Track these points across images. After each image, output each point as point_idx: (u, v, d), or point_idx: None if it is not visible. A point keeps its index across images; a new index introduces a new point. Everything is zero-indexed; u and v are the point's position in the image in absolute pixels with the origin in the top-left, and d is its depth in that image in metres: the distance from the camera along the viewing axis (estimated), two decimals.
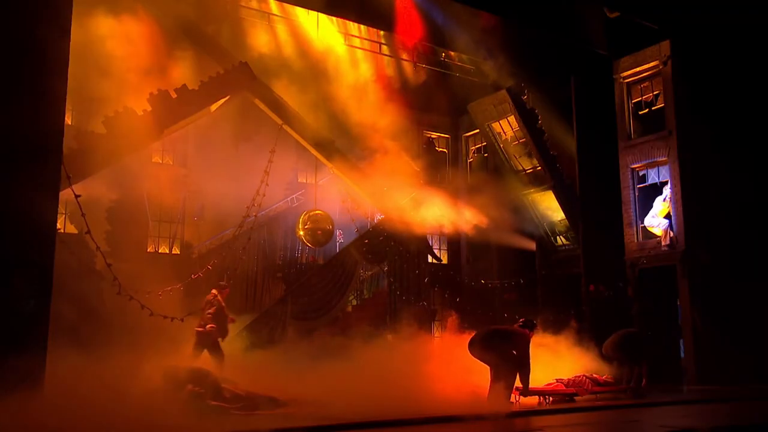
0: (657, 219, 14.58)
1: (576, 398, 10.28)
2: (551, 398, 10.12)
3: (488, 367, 9.31)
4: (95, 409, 6.85)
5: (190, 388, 8.01)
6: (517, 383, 9.38)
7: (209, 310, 10.46)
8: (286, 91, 15.40)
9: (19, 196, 7.71)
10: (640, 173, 15.46)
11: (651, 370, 11.27)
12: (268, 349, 12.92)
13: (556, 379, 10.51)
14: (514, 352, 9.22)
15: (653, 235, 14.88)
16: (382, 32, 17.26)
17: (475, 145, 21.36)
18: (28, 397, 6.72)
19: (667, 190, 14.67)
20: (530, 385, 9.47)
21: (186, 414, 7.30)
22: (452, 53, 17.88)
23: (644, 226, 15.11)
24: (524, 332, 9.57)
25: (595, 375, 10.86)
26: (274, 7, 16.24)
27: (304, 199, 17.71)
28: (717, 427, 7.34)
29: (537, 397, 10.02)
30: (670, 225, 14.41)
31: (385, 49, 17.83)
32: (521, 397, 9.53)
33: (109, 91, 13.00)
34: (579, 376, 10.60)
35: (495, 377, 9.12)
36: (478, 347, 9.31)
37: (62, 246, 9.71)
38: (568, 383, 10.42)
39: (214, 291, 10.78)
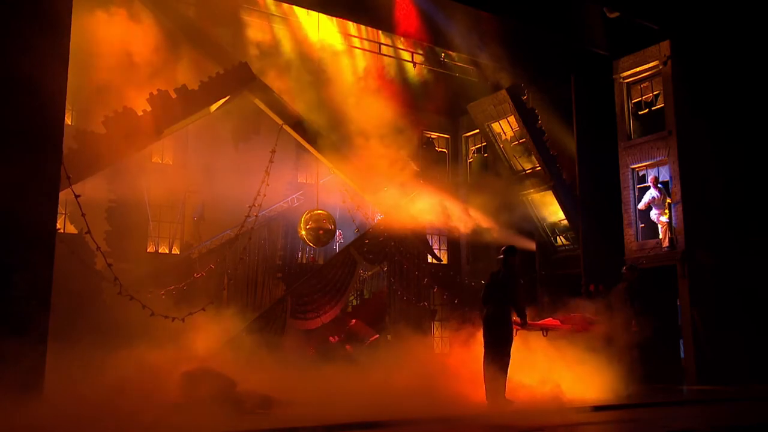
0: (662, 218, 14.57)
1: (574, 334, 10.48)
2: (548, 332, 10.32)
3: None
4: (96, 411, 6.85)
5: (204, 389, 8.01)
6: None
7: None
8: (285, 91, 15.43)
9: (18, 196, 7.71)
10: (640, 173, 15.45)
11: (650, 367, 11.33)
12: (267, 349, 12.92)
13: (552, 317, 10.77)
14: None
15: (653, 235, 14.88)
16: (382, 32, 17.27)
17: (475, 145, 21.37)
18: (28, 398, 6.72)
19: (652, 192, 14.64)
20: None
21: (197, 415, 7.30)
22: (452, 53, 17.89)
23: (644, 222, 15.10)
24: (506, 267, 9.13)
25: (588, 315, 11.04)
26: (274, 7, 16.25)
27: (304, 199, 17.72)
28: (717, 427, 7.33)
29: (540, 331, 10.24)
30: (670, 225, 14.41)
31: (384, 49, 17.83)
32: (520, 329, 9.43)
33: (109, 91, 13.01)
34: (575, 315, 10.82)
35: (486, 362, 8.89)
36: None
37: (62, 246, 9.72)
38: (564, 320, 10.64)
39: None
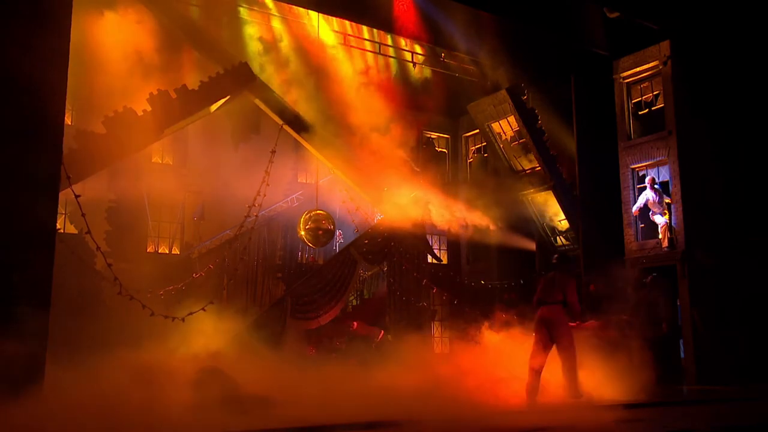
0: (661, 218, 14.59)
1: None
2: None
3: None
4: (96, 411, 6.85)
5: (208, 390, 8.02)
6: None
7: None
8: (285, 91, 15.44)
9: (18, 196, 7.71)
10: (640, 173, 15.45)
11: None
12: (267, 349, 12.93)
13: (594, 320, 11.31)
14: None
15: (653, 235, 14.88)
16: (381, 32, 17.27)
17: (475, 145, 21.37)
18: (28, 398, 6.72)
19: (648, 192, 14.66)
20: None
21: (198, 415, 7.30)
22: (452, 53, 17.89)
23: (644, 222, 15.11)
24: (561, 271, 9.59)
25: (624, 317, 11.59)
26: (274, 6, 16.25)
27: (304, 199, 17.72)
28: (717, 427, 7.33)
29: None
30: (669, 225, 14.41)
31: (384, 48, 17.83)
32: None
33: (109, 91, 13.01)
34: (612, 318, 11.42)
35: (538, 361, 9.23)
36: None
37: (62, 246, 9.72)
38: (605, 322, 11.27)
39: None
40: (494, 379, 9.56)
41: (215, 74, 13.90)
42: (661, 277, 12.79)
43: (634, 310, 11.99)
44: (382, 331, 13.91)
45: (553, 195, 18.04)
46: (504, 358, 10.18)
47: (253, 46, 15.91)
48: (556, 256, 10.05)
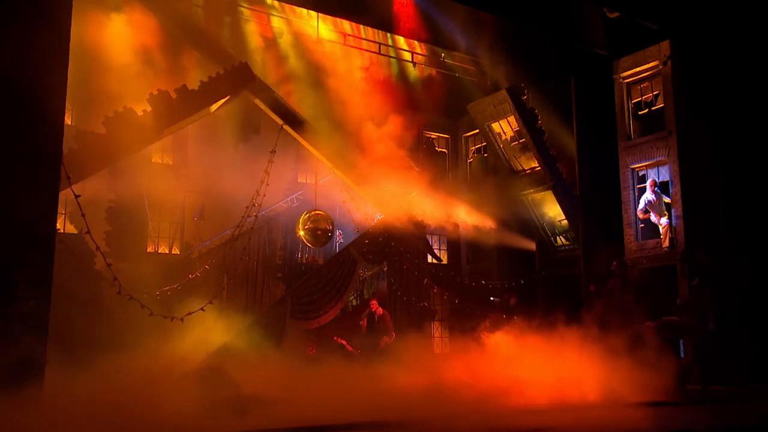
0: (663, 219, 14.60)
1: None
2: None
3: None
4: (96, 411, 6.85)
5: (208, 390, 8.03)
6: None
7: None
8: (284, 91, 15.45)
9: (18, 197, 7.71)
10: (640, 173, 15.46)
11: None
12: (267, 349, 12.92)
13: (647, 324, 11.85)
14: None
15: (653, 235, 14.89)
16: (381, 32, 17.27)
17: (475, 145, 21.37)
18: (28, 398, 6.72)
19: (648, 194, 14.66)
20: None
21: (198, 415, 7.30)
22: (452, 53, 17.88)
23: (644, 222, 15.12)
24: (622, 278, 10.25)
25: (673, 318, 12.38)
26: (274, 6, 16.26)
27: (304, 199, 17.70)
28: (717, 427, 7.34)
29: None
30: (670, 225, 14.42)
31: (384, 48, 17.83)
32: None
33: (109, 91, 13.01)
34: (667, 318, 12.20)
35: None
36: None
37: (62, 246, 9.72)
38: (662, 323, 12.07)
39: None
40: (495, 379, 9.56)
41: (215, 74, 13.88)
42: (705, 280, 13.16)
43: (682, 311, 12.18)
44: (394, 334, 13.74)
45: (553, 195, 18.04)
46: (504, 358, 10.19)
47: (254, 43, 15.92)
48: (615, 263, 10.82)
